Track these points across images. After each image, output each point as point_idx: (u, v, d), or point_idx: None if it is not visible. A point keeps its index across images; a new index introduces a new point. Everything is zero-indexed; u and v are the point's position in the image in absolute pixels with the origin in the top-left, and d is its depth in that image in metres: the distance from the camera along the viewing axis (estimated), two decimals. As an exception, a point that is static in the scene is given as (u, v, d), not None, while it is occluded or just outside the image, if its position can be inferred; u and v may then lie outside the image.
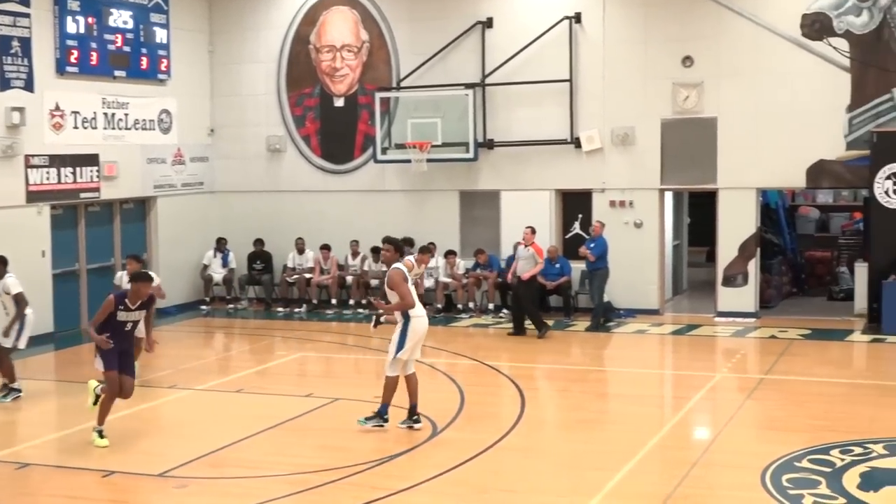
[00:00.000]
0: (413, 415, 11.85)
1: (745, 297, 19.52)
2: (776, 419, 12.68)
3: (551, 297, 20.12)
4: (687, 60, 19.50)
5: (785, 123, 18.92)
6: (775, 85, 19.03)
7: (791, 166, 19.04)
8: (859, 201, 23.14)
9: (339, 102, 22.09)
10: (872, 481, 9.93)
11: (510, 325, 18.63)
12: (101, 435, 11.34)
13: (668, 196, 20.85)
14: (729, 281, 19.58)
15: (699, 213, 22.80)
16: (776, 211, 23.08)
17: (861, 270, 19.13)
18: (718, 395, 14.23)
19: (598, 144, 20.00)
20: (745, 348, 17.43)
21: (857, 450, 10.87)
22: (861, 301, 18.90)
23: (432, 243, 20.25)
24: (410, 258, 16.24)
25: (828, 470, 10.19)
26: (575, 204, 20.54)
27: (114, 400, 11.48)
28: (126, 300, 11.30)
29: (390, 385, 11.74)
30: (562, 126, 20.19)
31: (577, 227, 20.53)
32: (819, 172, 19.07)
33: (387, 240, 12.28)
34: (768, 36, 19.03)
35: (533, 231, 18.46)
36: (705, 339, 18.17)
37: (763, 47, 19.08)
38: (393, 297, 11.75)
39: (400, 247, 12.39)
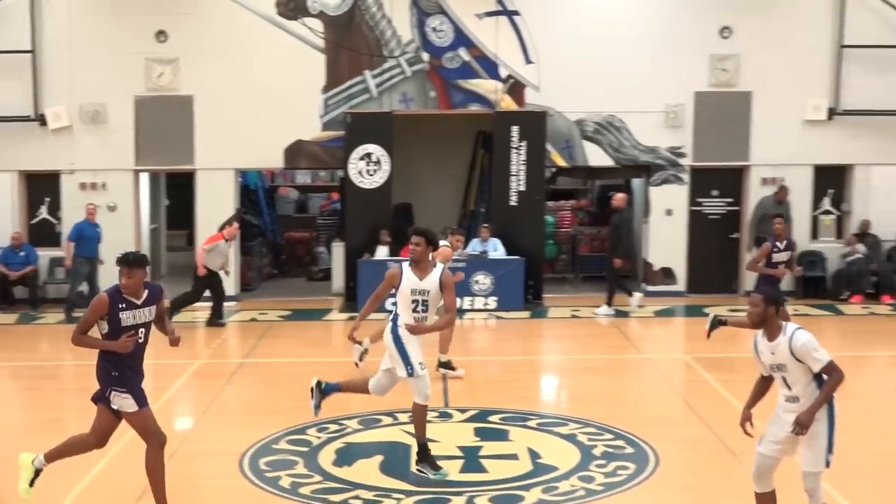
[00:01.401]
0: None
1: (225, 280, 19.70)
2: (255, 403, 12.97)
3: (16, 289, 19.21)
4: (161, 35, 19.37)
5: (263, 103, 19.39)
6: (253, 64, 19.45)
7: (269, 147, 19.60)
8: (336, 182, 24.28)
9: None
10: (347, 456, 10.44)
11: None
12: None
13: (144, 177, 20.64)
14: (210, 264, 19.78)
15: (178, 195, 22.75)
16: (255, 192, 23.58)
17: (338, 250, 20.10)
18: (198, 383, 14.29)
19: (66, 122, 19.32)
20: (226, 333, 17.63)
21: (333, 427, 11.39)
22: (339, 280, 19.89)
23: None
24: (445, 244, 13.43)
25: (305, 449, 10.59)
26: (41, 187, 19.72)
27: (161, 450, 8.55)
28: (125, 295, 8.19)
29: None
30: (24, 101, 19.27)
31: (44, 212, 19.74)
32: (297, 153, 19.81)
33: (418, 231, 9.82)
34: (245, 14, 19.38)
35: None
36: (185, 326, 18.03)
37: (240, 25, 19.42)
38: (432, 306, 9.72)
39: (433, 239, 9.94)
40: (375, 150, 19.20)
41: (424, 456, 9.65)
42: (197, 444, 11.15)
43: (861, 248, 19.68)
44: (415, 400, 9.57)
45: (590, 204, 24.24)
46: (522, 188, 19.38)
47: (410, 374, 9.47)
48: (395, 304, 9.87)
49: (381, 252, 18.90)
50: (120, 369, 8.26)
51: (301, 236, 24.11)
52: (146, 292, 8.26)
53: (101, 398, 8.41)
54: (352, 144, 19.25)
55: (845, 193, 20.36)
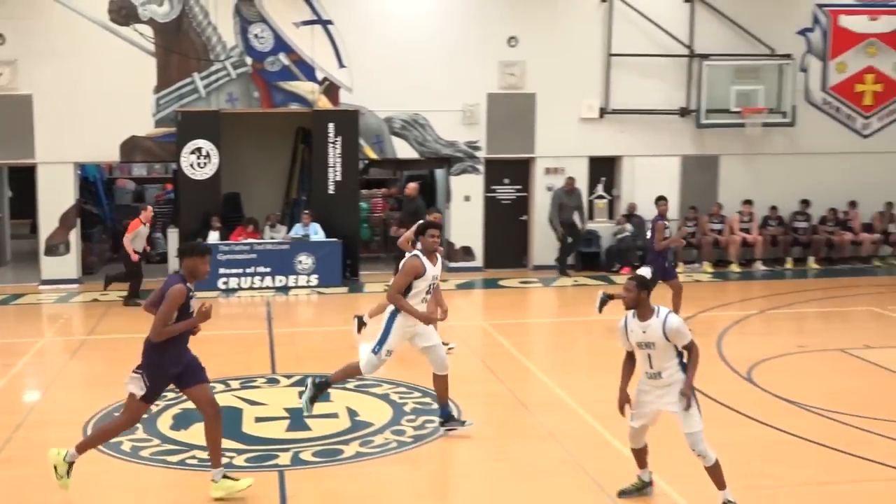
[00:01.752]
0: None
1: (67, 264, 19.08)
2: (98, 375, 12.57)
3: None
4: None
5: (99, 102, 18.73)
6: (90, 66, 18.74)
7: (106, 142, 18.95)
8: (170, 173, 23.64)
9: None
10: (183, 421, 10.27)
11: None
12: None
13: (-13, 170, 19.69)
14: (51, 250, 19.03)
15: (21, 187, 21.72)
16: (94, 184, 22.77)
17: (173, 235, 19.59)
18: (44, 359, 13.77)
19: None
20: (70, 313, 17.02)
21: (170, 395, 11.10)
22: (174, 263, 19.35)
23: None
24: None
25: (144, 416, 10.36)
26: None
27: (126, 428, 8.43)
28: (188, 284, 7.85)
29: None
30: None
31: None
32: (132, 148, 19.22)
33: (437, 225, 9.82)
34: (80, 19, 18.64)
35: None
36: (30, 308, 17.46)
37: (76, 30, 18.65)
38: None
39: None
40: (205, 144, 18.79)
41: (319, 391, 9.61)
42: (44, 414, 10.79)
43: (629, 227, 20.41)
44: (360, 364, 9.56)
45: (398, 192, 24.27)
46: (339, 178, 19.32)
47: (375, 352, 9.44)
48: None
49: (213, 237, 18.52)
50: (165, 355, 7.90)
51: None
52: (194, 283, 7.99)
53: (187, 384, 8.13)
54: (183, 140, 18.79)
55: (615, 180, 21.07)
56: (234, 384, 11.64)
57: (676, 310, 14.45)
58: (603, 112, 20.46)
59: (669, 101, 20.68)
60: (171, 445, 9.49)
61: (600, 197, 20.88)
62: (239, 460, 9.03)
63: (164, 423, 10.11)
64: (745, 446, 9.41)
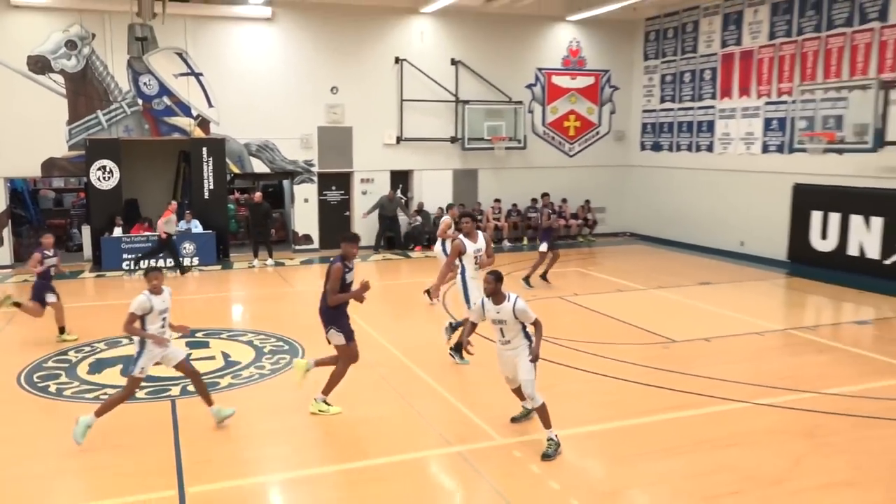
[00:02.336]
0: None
1: (1, 254, 17.55)
2: (29, 337, 11.51)
3: None
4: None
5: (23, 132, 17.29)
6: (15, 103, 17.21)
7: (29, 162, 17.52)
8: (82, 185, 22.07)
9: None
10: (97, 367, 9.72)
11: None
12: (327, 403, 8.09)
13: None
14: (-13, 244, 17.42)
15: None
16: (22, 193, 21.02)
17: (86, 231, 18.37)
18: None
19: None
20: (5, 289, 15.57)
21: (87, 348, 10.52)
22: (88, 251, 18.19)
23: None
24: (446, 217, 13.11)
25: (66, 365, 9.71)
26: None
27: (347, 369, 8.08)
28: (346, 261, 7.79)
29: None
30: None
31: None
32: (51, 166, 17.82)
33: (466, 214, 9.69)
34: (5, 70, 17.09)
35: None
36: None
37: (3, 78, 17.07)
38: (483, 258, 9.59)
39: (475, 217, 9.57)
40: (108, 163, 17.64)
41: (458, 349, 9.62)
42: (-16, 369, 9.84)
43: (419, 218, 20.60)
44: (471, 319, 9.01)
45: (249, 198, 23.53)
46: (212, 187, 18.59)
47: (469, 307, 9.33)
48: (461, 263, 9.58)
49: (117, 232, 17.48)
50: (338, 312, 7.83)
51: (59, 223, 21.76)
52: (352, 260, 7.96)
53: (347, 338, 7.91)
54: (91, 160, 17.57)
55: (409, 186, 21.22)
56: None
57: (547, 269, 14.64)
58: (399, 139, 20.54)
59: (443, 131, 20.98)
60: (88, 386, 8.92)
61: (400, 198, 20.98)
62: (141, 394, 8.59)
63: (82, 370, 9.49)
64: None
